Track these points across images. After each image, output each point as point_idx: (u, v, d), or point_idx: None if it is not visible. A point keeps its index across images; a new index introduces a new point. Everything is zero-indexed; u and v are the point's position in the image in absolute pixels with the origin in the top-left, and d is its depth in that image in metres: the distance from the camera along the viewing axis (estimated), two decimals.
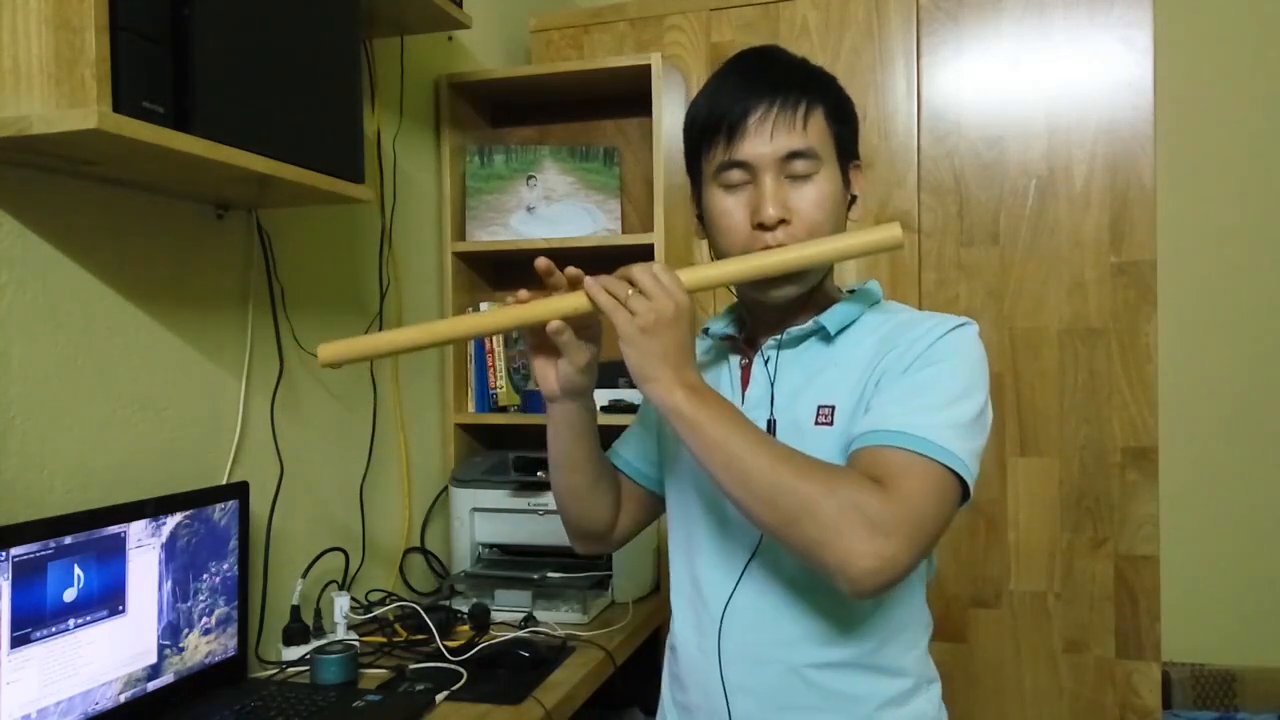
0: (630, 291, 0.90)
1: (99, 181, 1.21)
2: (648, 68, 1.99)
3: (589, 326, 0.99)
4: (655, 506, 1.20)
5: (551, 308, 0.95)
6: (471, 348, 2.11)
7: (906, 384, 0.91)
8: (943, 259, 2.04)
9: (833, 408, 0.96)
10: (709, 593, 1.02)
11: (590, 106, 2.23)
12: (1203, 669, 2.82)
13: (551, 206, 2.11)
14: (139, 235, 1.29)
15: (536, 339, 1.01)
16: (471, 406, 2.12)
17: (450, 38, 2.14)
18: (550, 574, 1.77)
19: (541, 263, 0.97)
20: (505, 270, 2.30)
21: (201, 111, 1.06)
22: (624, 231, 2.14)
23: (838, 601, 0.96)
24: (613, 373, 2.00)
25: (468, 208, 2.12)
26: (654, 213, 1.99)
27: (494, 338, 2.10)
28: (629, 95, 2.09)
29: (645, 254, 2.00)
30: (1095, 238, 1.95)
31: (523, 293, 0.97)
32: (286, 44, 1.23)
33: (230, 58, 1.12)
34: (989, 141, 2.01)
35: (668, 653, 1.13)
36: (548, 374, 1.02)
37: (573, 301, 0.94)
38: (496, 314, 0.98)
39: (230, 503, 1.32)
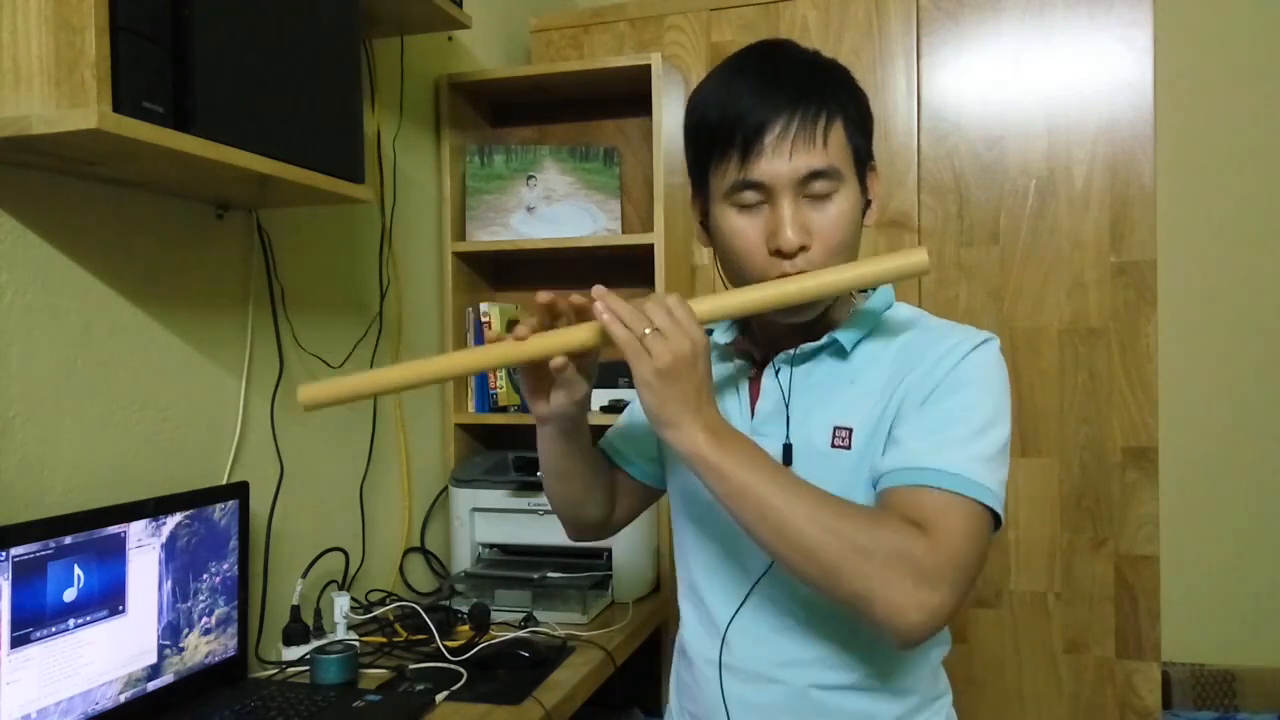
0: (647, 330, 0.84)
1: (99, 181, 1.21)
2: (648, 68, 1.99)
3: (586, 359, 0.94)
4: (652, 495, 1.18)
5: (556, 343, 0.89)
6: (471, 346, 2.10)
7: (933, 414, 0.88)
8: (943, 259, 2.04)
9: (850, 430, 0.92)
10: (714, 607, 1.00)
11: (590, 106, 2.23)
12: (1203, 669, 2.82)
13: (551, 206, 2.11)
14: (139, 235, 1.29)
15: (532, 372, 0.95)
16: (471, 406, 2.12)
17: (450, 38, 2.14)
18: (550, 574, 1.77)
19: (544, 297, 0.90)
20: (505, 270, 2.30)
21: (201, 111, 1.06)
22: (624, 231, 2.14)
23: (849, 624, 0.93)
24: (613, 373, 2.00)
25: (468, 208, 2.12)
26: (654, 213, 1.99)
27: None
28: (629, 95, 2.09)
29: (645, 254, 2.00)
30: (1095, 238, 1.95)
31: (521, 329, 0.90)
32: (286, 44, 1.23)
33: (230, 58, 1.12)
34: (989, 141, 2.01)
35: (677, 657, 1.10)
36: (540, 405, 0.98)
37: (579, 336, 0.88)
38: (497, 350, 0.91)
39: (230, 503, 1.32)
